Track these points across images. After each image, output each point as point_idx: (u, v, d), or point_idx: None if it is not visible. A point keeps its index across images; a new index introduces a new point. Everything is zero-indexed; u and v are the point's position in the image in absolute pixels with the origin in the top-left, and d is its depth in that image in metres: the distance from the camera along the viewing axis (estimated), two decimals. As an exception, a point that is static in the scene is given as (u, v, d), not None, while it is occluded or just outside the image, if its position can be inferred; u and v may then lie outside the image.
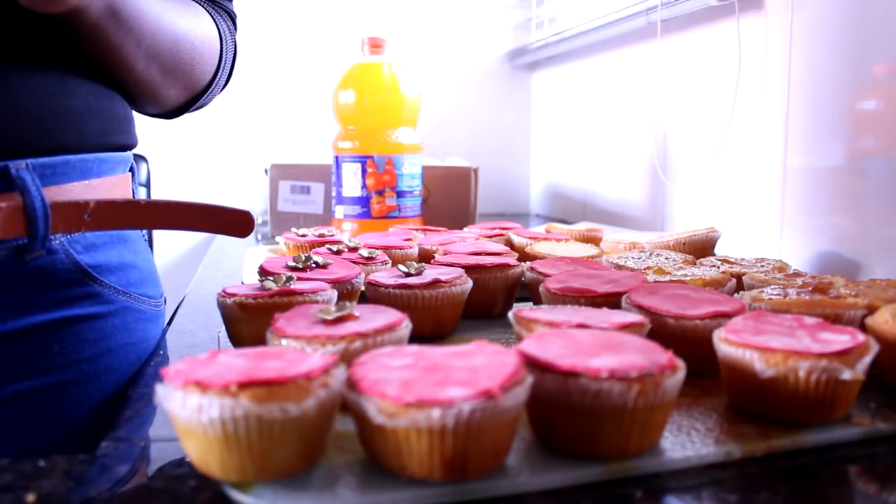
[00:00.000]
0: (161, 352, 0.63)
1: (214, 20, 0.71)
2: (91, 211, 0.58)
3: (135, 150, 0.70)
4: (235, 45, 0.75)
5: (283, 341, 0.43)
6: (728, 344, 0.43)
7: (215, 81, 0.73)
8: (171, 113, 0.74)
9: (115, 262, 0.64)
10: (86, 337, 0.61)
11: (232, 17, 0.76)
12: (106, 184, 0.63)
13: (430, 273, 0.61)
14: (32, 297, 0.58)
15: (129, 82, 0.65)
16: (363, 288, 0.63)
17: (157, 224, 0.63)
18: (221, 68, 0.73)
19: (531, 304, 0.67)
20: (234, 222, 0.64)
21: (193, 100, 0.72)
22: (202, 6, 0.71)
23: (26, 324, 0.58)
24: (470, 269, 0.65)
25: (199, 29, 0.68)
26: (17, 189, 0.56)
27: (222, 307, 0.54)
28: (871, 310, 0.51)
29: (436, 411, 0.32)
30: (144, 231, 0.77)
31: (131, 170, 0.70)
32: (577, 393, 0.36)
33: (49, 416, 0.59)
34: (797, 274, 0.64)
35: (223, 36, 0.72)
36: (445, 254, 0.75)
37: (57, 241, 0.59)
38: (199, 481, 0.36)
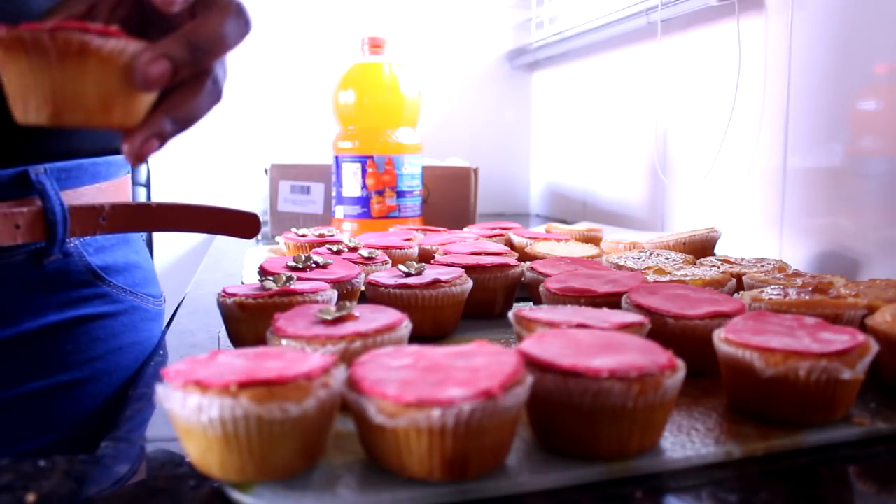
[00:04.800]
0: (161, 352, 0.63)
1: None
2: (106, 214, 0.59)
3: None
4: None
5: (283, 341, 0.43)
6: (728, 344, 0.43)
7: None
8: None
9: (121, 262, 0.65)
10: (97, 335, 0.62)
11: None
12: (113, 186, 0.64)
13: (430, 273, 0.61)
14: (47, 299, 0.59)
15: None
16: (363, 288, 0.63)
17: (168, 226, 0.64)
18: None
19: (531, 304, 0.67)
20: (241, 224, 0.65)
21: None
22: None
23: (41, 324, 0.59)
24: (470, 269, 0.65)
25: None
26: (37, 193, 0.56)
27: (222, 307, 0.54)
28: (871, 310, 0.51)
29: (436, 411, 0.32)
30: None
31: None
32: (577, 393, 0.36)
33: (63, 412, 0.60)
34: (797, 274, 0.64)
35: None
36: (445, 254, 0.75)
37: (72, 244, 0.60)
38: (199, 481, 0.36)
